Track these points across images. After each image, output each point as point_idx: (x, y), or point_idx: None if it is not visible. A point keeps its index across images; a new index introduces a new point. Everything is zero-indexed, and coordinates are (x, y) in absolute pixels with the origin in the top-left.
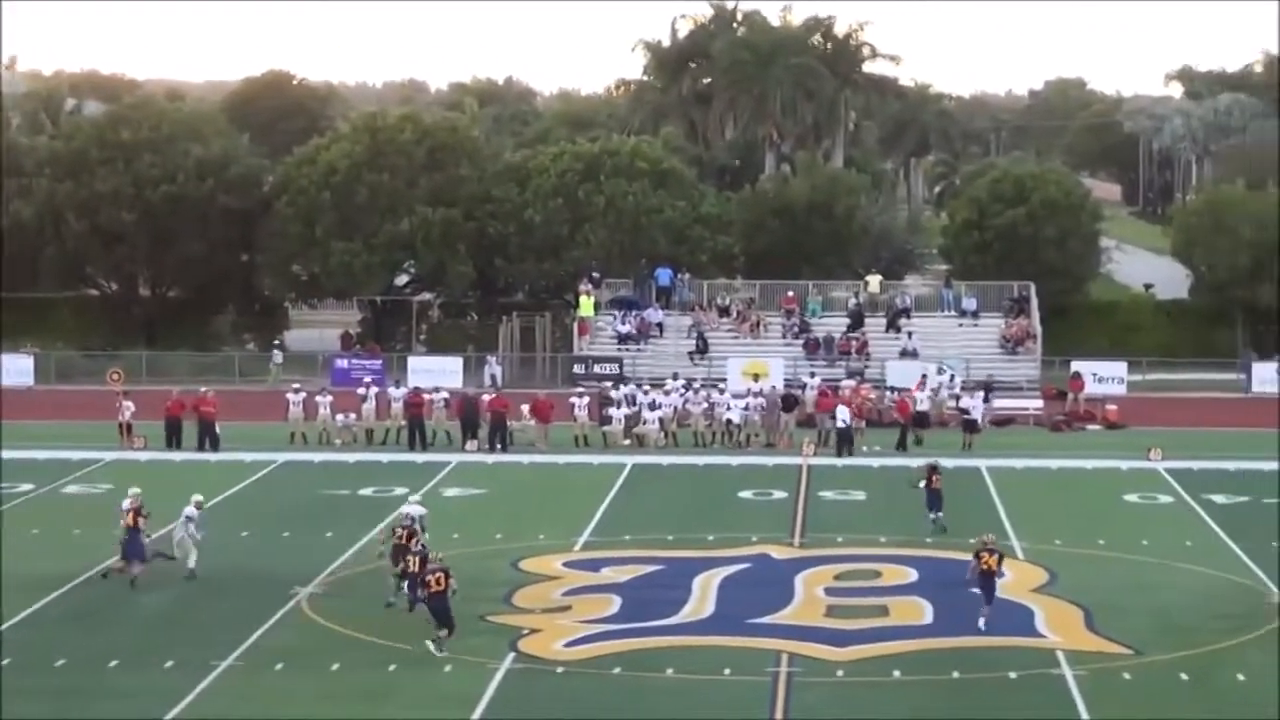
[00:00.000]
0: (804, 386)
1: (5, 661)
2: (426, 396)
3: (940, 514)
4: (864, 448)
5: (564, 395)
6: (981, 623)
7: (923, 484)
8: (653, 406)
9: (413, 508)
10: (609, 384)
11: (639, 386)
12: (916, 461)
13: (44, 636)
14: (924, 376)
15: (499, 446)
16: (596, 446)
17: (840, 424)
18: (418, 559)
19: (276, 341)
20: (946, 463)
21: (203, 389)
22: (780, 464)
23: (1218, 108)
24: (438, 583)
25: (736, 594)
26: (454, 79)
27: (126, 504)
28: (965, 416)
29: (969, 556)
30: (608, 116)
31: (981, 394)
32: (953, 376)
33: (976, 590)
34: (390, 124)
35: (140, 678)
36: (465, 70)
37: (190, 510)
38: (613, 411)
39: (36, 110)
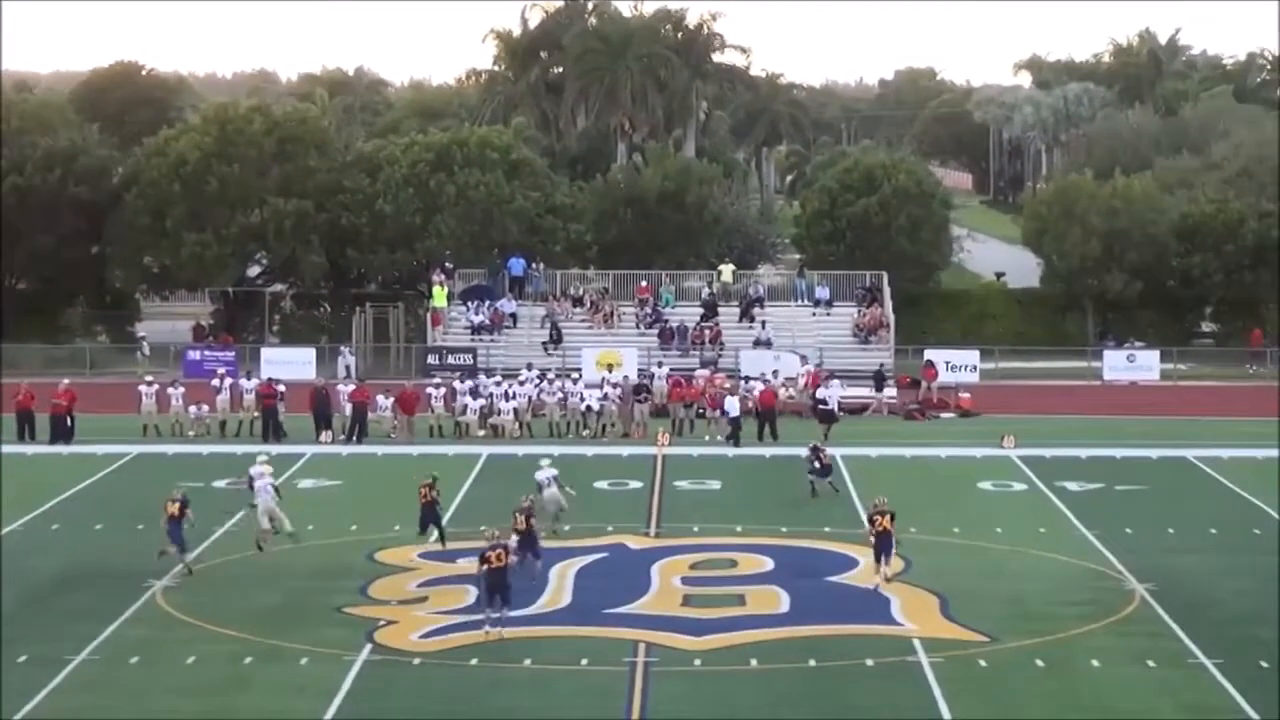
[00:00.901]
0: (652, 376)
1: None
2: (278, 388)
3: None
4: (706, 437)
5: (419, 386)
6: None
7: (814, 464)
8: (508, 397)
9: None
10: (456, 376)
11: (491, 376)
12: (771, 451)
13: None
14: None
15: (355, 438)
16: (451, 437)
17: (731, 414)
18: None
19: (142, 335)
20: (801, 452)
21: (64, 382)
22: (635, 454)
23: (1066, 96)
24: (498, 559)
25: (593, 584)
26: (304, 70)
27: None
28: (822, 406)
29: (824, 545)
30: (459, 107)
31: (836, 383)
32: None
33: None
34: (240, 115)
35: None
36: (315, 61)
37: (265, 476)
38: (467, 402)
39: None
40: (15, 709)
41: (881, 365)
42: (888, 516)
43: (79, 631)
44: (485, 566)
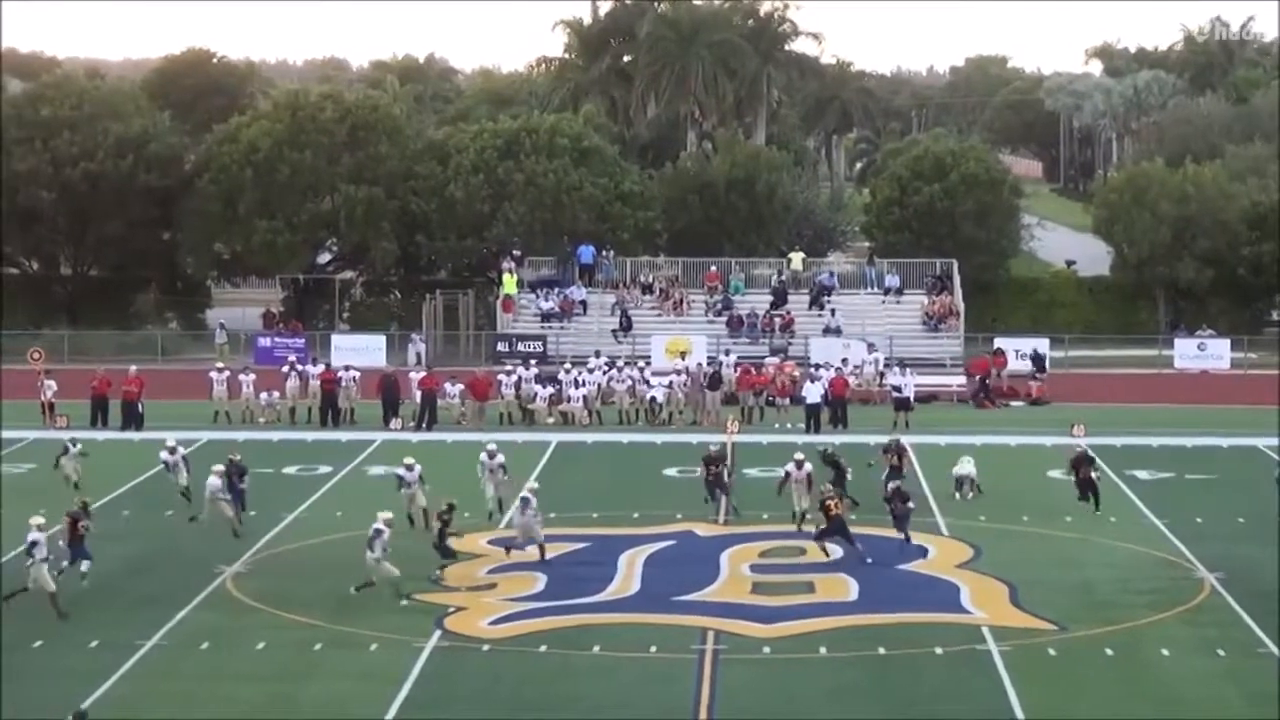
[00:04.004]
0: (720, 364)
1: None
2: (339, 375)
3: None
4: (776, 425)
5: (490, 373)
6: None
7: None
8: (577, 384)
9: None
10: (521, 363)
11: (562, 365)
12: (841, 439)
13: None
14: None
15: (425, 424)
16: (521, 424)
17: (810, 401)
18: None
19: (221, 321)
20: (876, 440)
21: (133, 368)
22: (705, 441)
23: (1137, 84)
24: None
25: (662, 571)
26: (375, 57)
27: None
28: (896, 394)
29: (893, 533)
30: (529, 94)
31: (910, 371)
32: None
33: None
34: (312, 102)
35: (65, 658)
36: (386, 48)
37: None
38: (537, 389)
39: None
40: (86, 693)
41: (1035, 350)
42: (895, 455)
43: (149, 617)
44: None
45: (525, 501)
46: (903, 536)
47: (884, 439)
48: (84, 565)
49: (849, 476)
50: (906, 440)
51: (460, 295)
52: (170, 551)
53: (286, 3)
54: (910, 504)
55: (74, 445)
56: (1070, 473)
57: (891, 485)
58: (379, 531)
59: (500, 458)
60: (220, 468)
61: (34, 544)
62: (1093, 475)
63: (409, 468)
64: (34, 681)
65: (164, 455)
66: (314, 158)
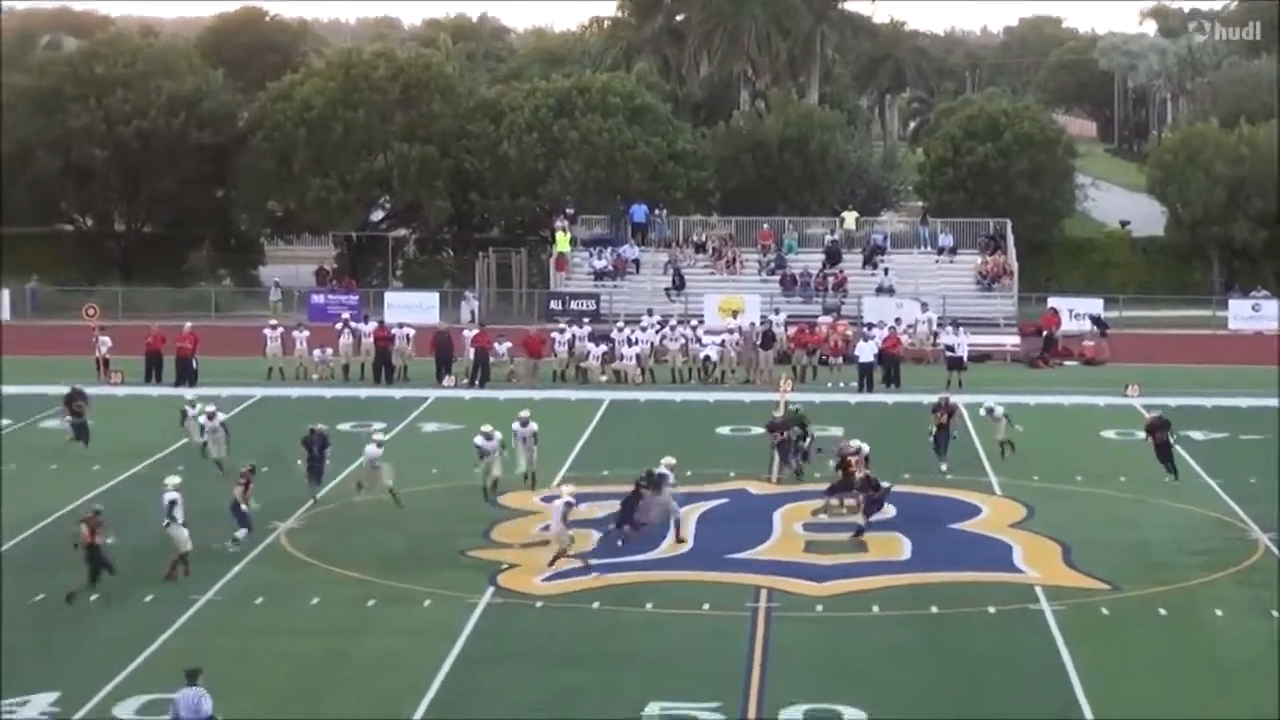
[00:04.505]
0: (773, 323)
1: None
2: (392, 332)
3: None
4: (829, 384)
5: (543, 331)
6: (944, 466)
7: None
8: (630, 343)
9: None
10: (574, 322)
11: (615, 323)
12: (894, 398)
13: (23, 571)
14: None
15: (479, 382)
16: (574, 382)
17: (863, 360)
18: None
19: (276, 279)
20: (928, 399)
21: (187, 325)
22: (757, 400)
23: (1191, 44)
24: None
25: (715, 529)
26: (427, 15)
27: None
28: (950, 354)
29: (946, 492)
30: (581, 53)
31: (963, 331)
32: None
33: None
34: (365, 60)
35: (121, 612)
36: (439, 7)
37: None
38: (590, 348)
39: (10, 47)
40: (142, 646)
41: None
42: (945, 414)
43: (204, 571)
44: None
45: (663, 478)
46: (863, 523)
47: (933, 398)
48: (240, 532)
49: (812, 437)
50: (959, 399)
51: (513, 253)
52: (224, 507)
53: None
54: (879, 492)
55: (192, 408)
56: (1147, 437)
57: (861, 475)
58: (173, 502)
59: (534, 426)
60: (380, 436)
61: (172, 504)
62: (1169, 440)
63: (488, 436)
64: (90, 635)
65: (203, 420)
66: (367, 116)
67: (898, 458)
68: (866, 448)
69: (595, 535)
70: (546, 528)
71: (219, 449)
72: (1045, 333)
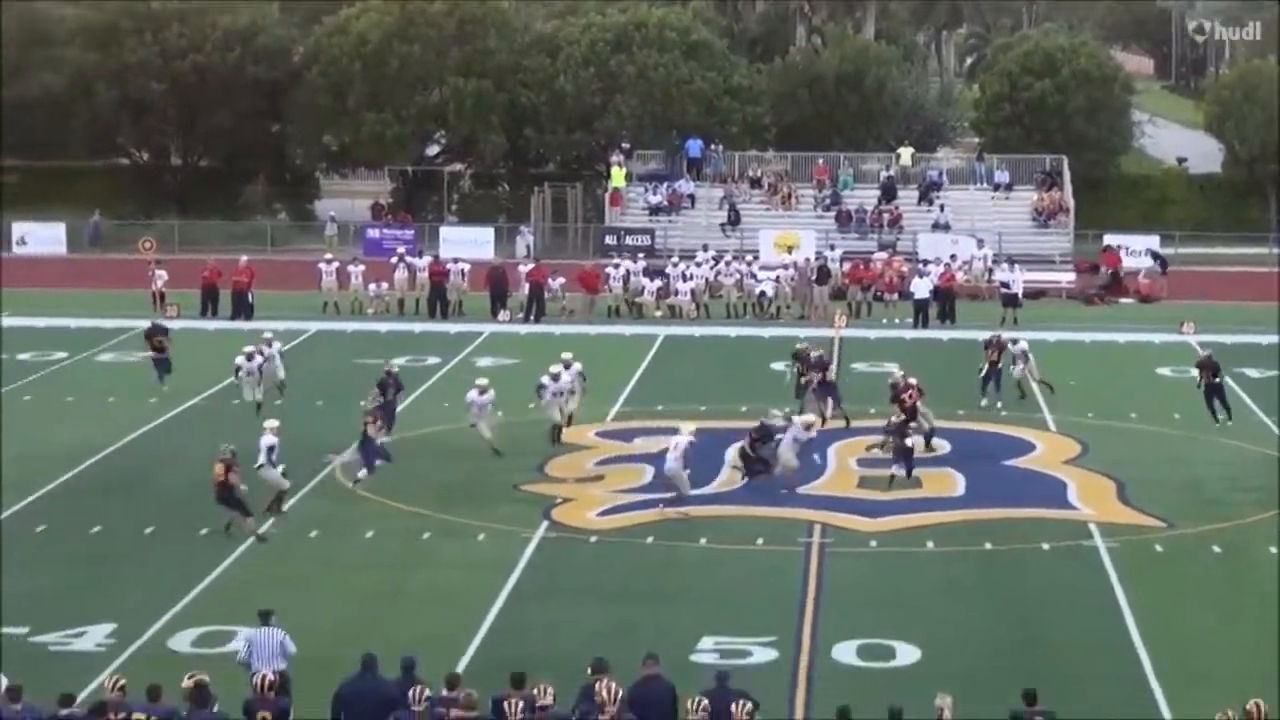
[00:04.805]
0: (828, 258)
1: (40, 528)
2: (447, 266)
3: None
4: (884, 320)
5: (598, 266)
6: (983, 402)
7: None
8: (685, 278)
9: None
10: (629, 257)
11: (670, 258)
12: (949, 334)
13: (79, 503)
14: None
15: (533, 316)
16: (628, 318)
17: (918, 296)
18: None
19: (331, 214)
20: (984, 336)
21: (243, 258)
22: (812, 336)
23: None
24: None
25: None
26: None
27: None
28: (1005, 290)
29: (1000, 429)
30: None
31: (1019, 267)
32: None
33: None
34: None
35: (176, 544)
36: None
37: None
38: (645, 283)
39: None
40: (197, 579)
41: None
42: (997, 351)
43: (259, 505)
44: None
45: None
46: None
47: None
48: (376, 463)
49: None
50: (1016, 336)
51: (568, 188)
52: (280, 440)
53: None
54: (910, 440)
55: (265, 349)
56: (1200, 379)
57: (894, 419)
58: (271, 447)
59: (565, 379)
60: (483, 381)
61: (271, 448)
62: (1216, 381)
63: (554, 378)
64: (146, 567)
65: (239, 360)
66: (423, 50)
67: (952, 393)
68: (914, 381)
69: (649, 470)
70: (601, 462)
71: (253, 391)
72: (1110, 270)
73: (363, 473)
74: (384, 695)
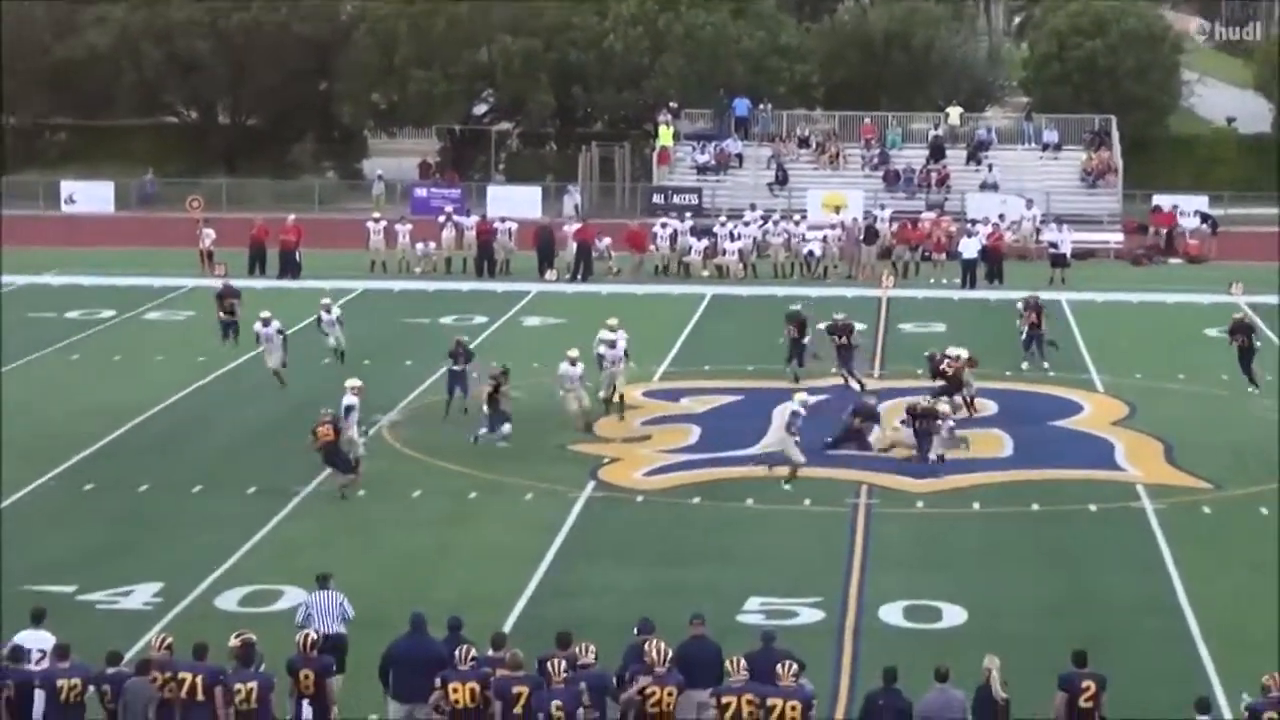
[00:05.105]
0: (876, 218)
1: (88, 486)
2: (494, 225)
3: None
4: (932, 280)
5: (645, 225)
6: (1025, 365)
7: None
8: (732, 238)
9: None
10: (676, 216)
11: (718, 218)
12: (996, 295)
13: (126, 461)
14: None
15: (581, 276)
16: (675, 277)
17: (965, 256)
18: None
19: (379, 173)
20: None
21: (290, 217)
22: (859, 295)
23: None
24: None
25: (816, 425)
26: None
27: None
28: (1053, 251)
29: (1048, 389)
30: None
31: (1067, 227)
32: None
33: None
34: None
35: (223, 503)
36: None
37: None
38: (692, 242)
39: None
40: (244, 538)
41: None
42: (1035, 312)
43: (306, 464)
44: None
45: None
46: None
47: (1041, 295)
48: (505, 428)
49: (809, 335)
50: (1063, 297)
51: (616, 147)
52: (326, 399)
53: None
54: (941, 420)
55: (329, 312)
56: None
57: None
58: (350, 408)
59: (620, 346)
60: (575, 352)
61: (349, 409)
62: (1248, 343)
63: (610, 344)
64: (193, 526)
65: (256, 327)
66: (471, 9)
67: (1000, 354)
68: (965, 352)
69: (696, 430)
70: (648, 422)
71: (271, 357)
72: (1166, 230)
73: (484, 430)
74: (433, 655)
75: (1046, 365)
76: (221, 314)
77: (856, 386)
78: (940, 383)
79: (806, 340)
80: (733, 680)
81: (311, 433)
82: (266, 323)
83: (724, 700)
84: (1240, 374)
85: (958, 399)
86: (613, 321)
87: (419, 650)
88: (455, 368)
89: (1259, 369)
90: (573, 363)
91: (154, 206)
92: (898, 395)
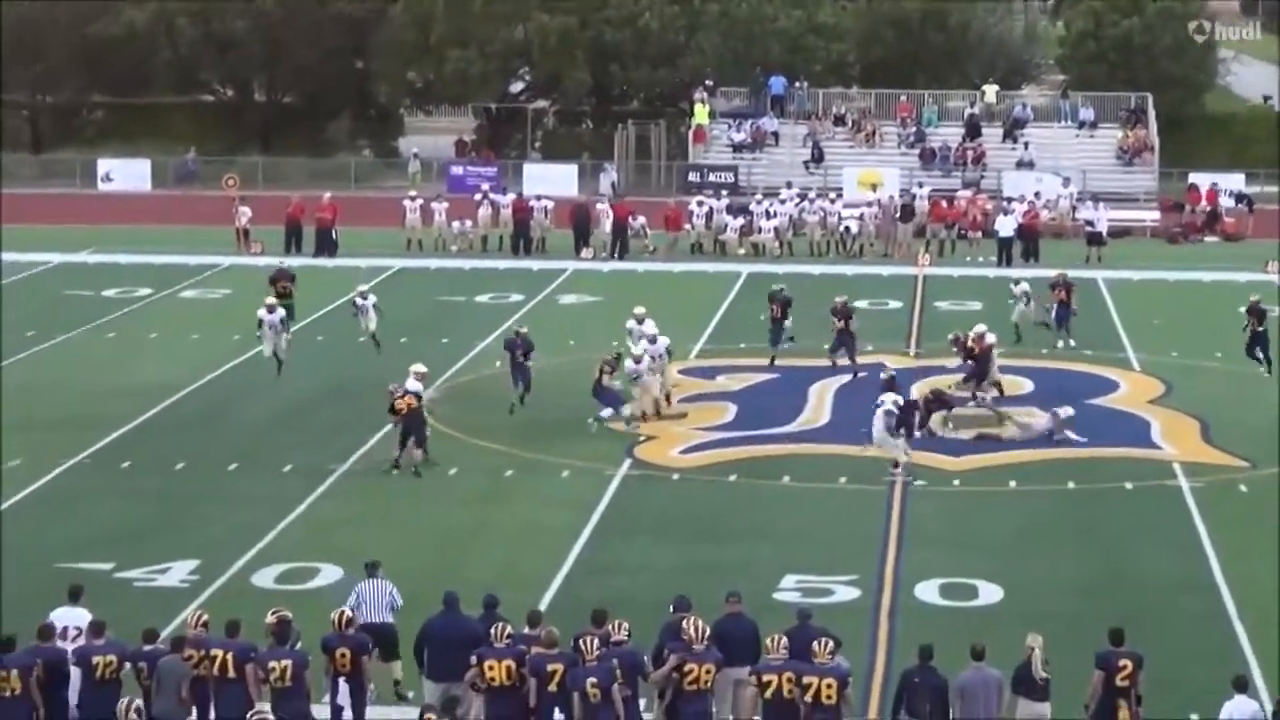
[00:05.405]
0: (914, 196)
1: (125, 464)
2: (531, 203)
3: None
4: (968, 258)
5: (681, 204)
6: (1060, 344)
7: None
8: (768, 215)
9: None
10: (712, 194)
11: (754, 196)
12: (1033, 273)
13: (163, 440)
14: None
15: (616, 254)
16: (711, 255)
17: (1002, 235)
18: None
19: (415, 150)
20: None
21: (326, 195)
22: (895, 274)
23: None
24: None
25: (852, 402)
26: None
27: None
28: (1089, 229)
29: (1085, 368)
30: None
31: (1103, 205)
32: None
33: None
34: None
35: (260, 481)
36: None
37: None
38: (728, 220)
39: None
40: (281, 516)
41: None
42: (1064, 290)
43: (343, 442)
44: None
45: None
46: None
47: (1073, 274)
48: (606, 411)
49: (789, 319)
50: (1099, 275)
51: (652, 125)
52: (362, 378)
53: None
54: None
55: (365, 299)
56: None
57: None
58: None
59: (662, 342)
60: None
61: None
62: (1260, 330)
63: (652, 339)
64: (229, 504)
65: (260, 313)
66: None
67: (1036, 332)
68: (993, 337)
69: (732, 408)
70: (684, 400)
71: (271, 345)
72: (1208, 208)
73: (607, 412)
74: (468, 633)
75: (1061, 344)
76: (276, 298)
77: (852, 372)
78: (969, 363)
79: (788, 322)
80: (772, 658)
81: (390, 407)
82: (271, 309)
83: (764, 678)
84: (1249, 356)
85: (992, 378)
86: (640, 310)
87: (453, 629)
88: (518, 360)
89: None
90: (636, 361)
91: (191, 185)
92: (934, 374)
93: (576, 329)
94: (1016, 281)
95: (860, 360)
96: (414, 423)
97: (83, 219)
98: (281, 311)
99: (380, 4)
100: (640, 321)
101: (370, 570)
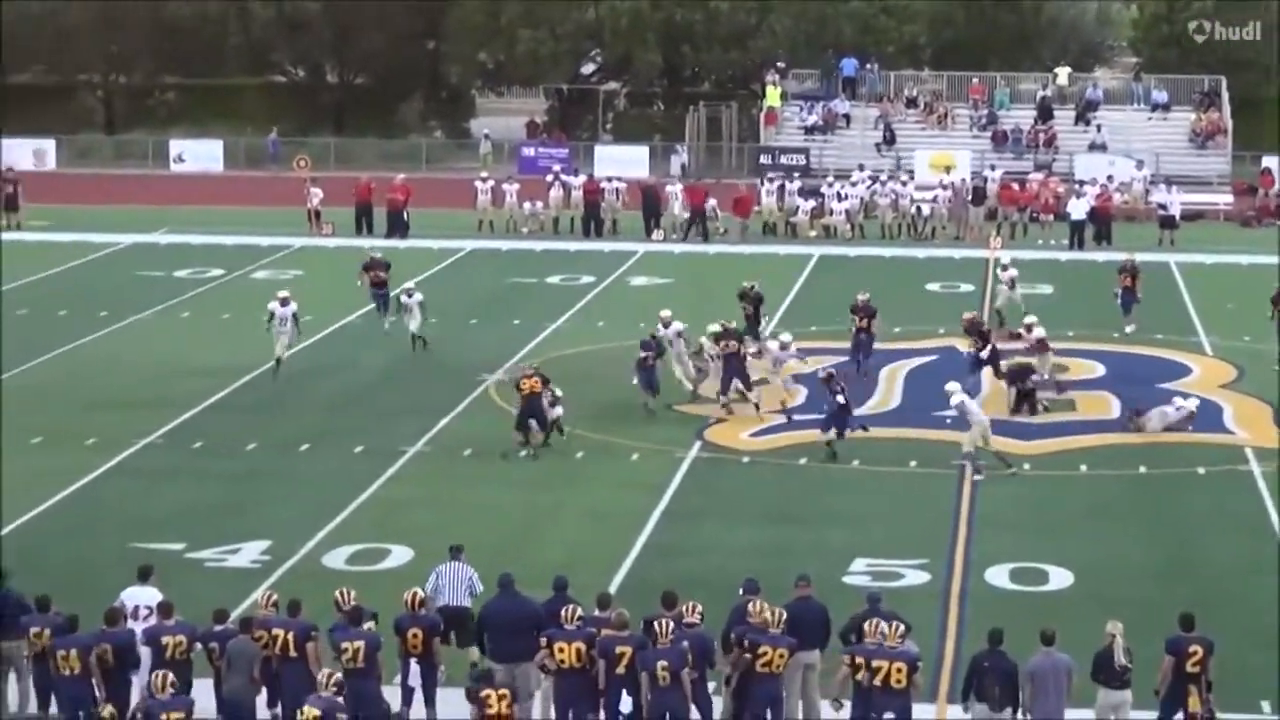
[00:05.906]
0: (985, 179)
1: (197, 444)
2: (602, 185)
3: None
4: (1040, 241)
5: (753, 187)
6: (1129, 328)
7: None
8: (840, 198)
9: None
10: (784, 176)
11: (825, 178)
12: (1105, 256)
13: (235, 420)
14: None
15: (691, 236)
16: (783, 237)
17: (1074, 217)
18: None
19: (486, 132)
20: (1140, 258)
21: (399, 176)
22: (967, 256)
23: None
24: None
25: (923, 386)
26: None
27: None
28: (1162, 212)
29: (1156, 352)
30: None
31: (1176, 189)
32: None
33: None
34: None
35: (330, 461)
36: None
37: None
38: (799, 202)
39: None
40: (352, 497)
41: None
42: (1129, 276)
43: (413, 424)
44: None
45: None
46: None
47: (1146, 257)
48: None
49: (764, 317)
50: (1172, 259)
51: (723, 107)
52: (434, 359)
53: None
54: (1032, 382)
55: (410, 296)
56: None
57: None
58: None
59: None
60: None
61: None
62: None
63: (716, 339)
64: (301, 483)
65: (272, 305)
66: None
67: (1107, 316)
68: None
69: (803, 391)
70: (755, 383)
71: (281, 344)
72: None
73: (652, 401)
74: (527, 614)
75: (1128, 329)
76: (371, 287)
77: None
78: (1021, 345)
79: (763, 320)
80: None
81: (515, 386)
82: (285, 302)
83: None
84: None
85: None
86: (666, 314)
87: (512, 610)
88: (648, 364)
89: None
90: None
91: (263, 165)
92: (1004, 357)
93: (647, 310)
94: (1004, 267)
95: (931, 343)
96: (532, 406)
97: (155, 200)
98: (294, 305)
99: None
100: (666, 325)
101: (454, 553)
